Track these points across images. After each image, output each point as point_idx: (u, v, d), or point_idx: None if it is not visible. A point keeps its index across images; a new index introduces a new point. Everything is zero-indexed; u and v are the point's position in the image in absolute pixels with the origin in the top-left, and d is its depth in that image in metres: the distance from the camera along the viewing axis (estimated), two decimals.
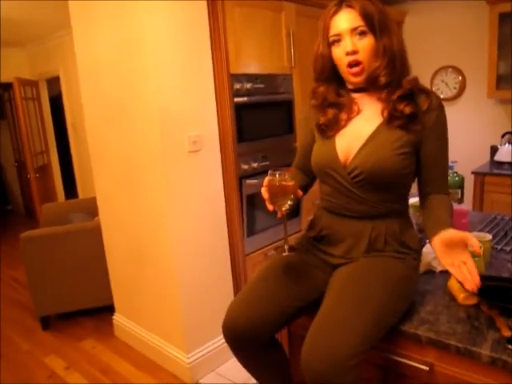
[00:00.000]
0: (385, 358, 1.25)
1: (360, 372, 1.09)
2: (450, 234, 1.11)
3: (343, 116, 1.30)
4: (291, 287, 1.29)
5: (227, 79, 2.45)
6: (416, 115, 1.21)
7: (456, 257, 1.10)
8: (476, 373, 1.09)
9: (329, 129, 1.31)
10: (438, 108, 1.24)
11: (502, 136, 3.68)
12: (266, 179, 1.21)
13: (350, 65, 1.22)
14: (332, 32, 1.23)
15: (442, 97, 4.01)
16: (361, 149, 1.24)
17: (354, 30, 1.19)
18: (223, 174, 2.55)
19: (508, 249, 1.67)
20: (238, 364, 2.73)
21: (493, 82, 3.49)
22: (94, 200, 3.37)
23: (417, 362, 1.19)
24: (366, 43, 1.19)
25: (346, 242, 1.31)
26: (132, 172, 2.50)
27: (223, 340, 2.63)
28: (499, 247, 1.69)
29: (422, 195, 1.33)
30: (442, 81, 3.98)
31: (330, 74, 1.30)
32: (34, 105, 5.72)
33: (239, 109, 2.55)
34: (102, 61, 2.50)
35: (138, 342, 2.81)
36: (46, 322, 3.22)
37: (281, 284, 1.29)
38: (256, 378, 1.43)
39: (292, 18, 2.82)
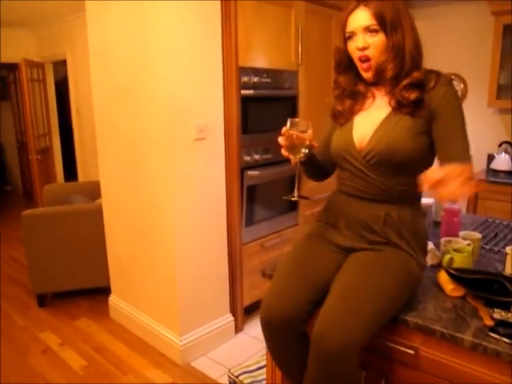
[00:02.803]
0: (375, 342, 1.31)
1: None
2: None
3: (358, 106, 1.42)
4: (319, 272, 1.35)
5: (236, 71, 2.51)
6: (422, 101, 1.28)
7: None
8: (457, 357, 1.16)
9: (342, 116, 1.43)
10: (447, 84, 1.29)
11: (500, 145, 3.76)
12: (284, 128, 1.33)
13: (361, 59, 1.33)
14: (348, 29, 1.34)
15: None
16: (373, 134, 1.34)
17: (366, 28, 1.29)
18: (226, 163, 2.61)
19: (496, 249, 1.74)
20: (229, 350, 2.81)
21: (493, 92, 3.55)
22: (94, 183, 3.44)
23: (403, 346, 1.26)
24: (376, 40, 1.29)
25: (360, 227, 1.37)
26: (137, 156, 2.56)
27: (216, 325, 2.73)
28: (488, 247, 1.76)
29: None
30: None
31: (347, 65, 1.41)
32: (40, 87, 5.76)
33: (245, 101, 2.62)
34: (113, 46, 2.56)
35: (133, 323, 2.88)
36: (42, 300, 3.29)
37: (310, 271, 1.35)
38: (284, 367, 1.45)
39: (301, 15, 2.89)
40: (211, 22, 2.41)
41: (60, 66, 5.80)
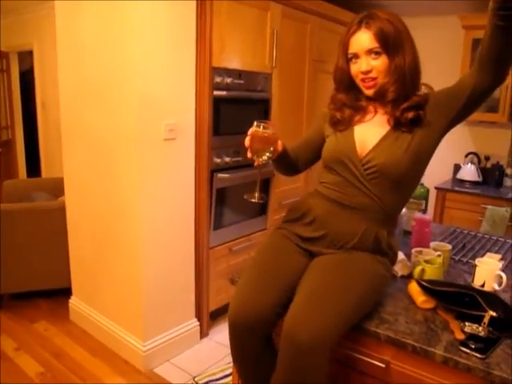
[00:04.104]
0: (346, 355, 1.29)
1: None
2: None
3: (358, 117, 1.42)
4: (286, 274, 1.33)
5: (209, 72, 2.46)
6: (419, 119, 1.31)
7: None
8: (429, 371, 1.15)
9: (341, 124, 1.42)
10: (435, 94, 1.37)
11: (466, 156, 3.85)
12: (251, 129, 1.33)
13: (365, 81, 1.35)
14: (350, 50, 1.35)
15: None
16: (376, 146, 1.34)
17: (369, 50, 1.30)
18: (196, 165, 2.55)
19: (465, 260, 1.76)
20: (194, 356, 2.75)
21: None
22: (58, 180, 3.31)
23: (374, 359, 1.24)
24: (379, 62, 1.31)
25: (335, 235, 1.35)
26: (105, 154, 2.46)
27: (181, 330, 2.66)
28: (457, 258, 1.77)
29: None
30: None
31: (348, 84, 1.42)
32: (3, 77, 5.54)
33: (217, 102, 2.57)
34: (84, 41, 2.46)
35: (94, 327, 2.77)
36: None
37: (278, 273, 1.34)
38: (244, 375, 1.40)
39: (278, 18, 2.86)
40: (186, 20, 2.35)
41: (26, 57, 5.58)
